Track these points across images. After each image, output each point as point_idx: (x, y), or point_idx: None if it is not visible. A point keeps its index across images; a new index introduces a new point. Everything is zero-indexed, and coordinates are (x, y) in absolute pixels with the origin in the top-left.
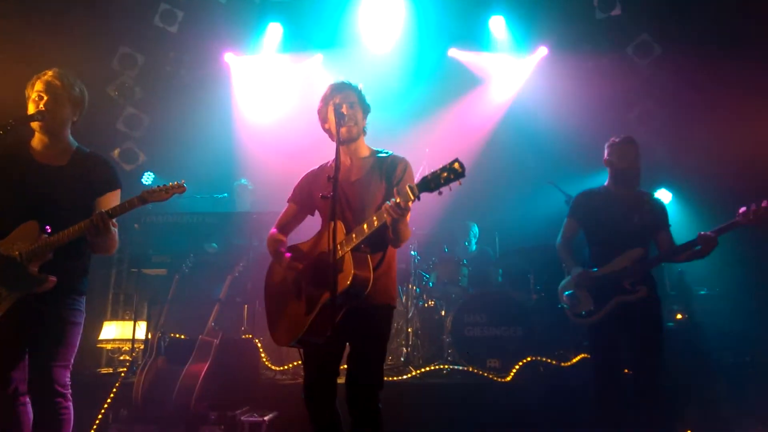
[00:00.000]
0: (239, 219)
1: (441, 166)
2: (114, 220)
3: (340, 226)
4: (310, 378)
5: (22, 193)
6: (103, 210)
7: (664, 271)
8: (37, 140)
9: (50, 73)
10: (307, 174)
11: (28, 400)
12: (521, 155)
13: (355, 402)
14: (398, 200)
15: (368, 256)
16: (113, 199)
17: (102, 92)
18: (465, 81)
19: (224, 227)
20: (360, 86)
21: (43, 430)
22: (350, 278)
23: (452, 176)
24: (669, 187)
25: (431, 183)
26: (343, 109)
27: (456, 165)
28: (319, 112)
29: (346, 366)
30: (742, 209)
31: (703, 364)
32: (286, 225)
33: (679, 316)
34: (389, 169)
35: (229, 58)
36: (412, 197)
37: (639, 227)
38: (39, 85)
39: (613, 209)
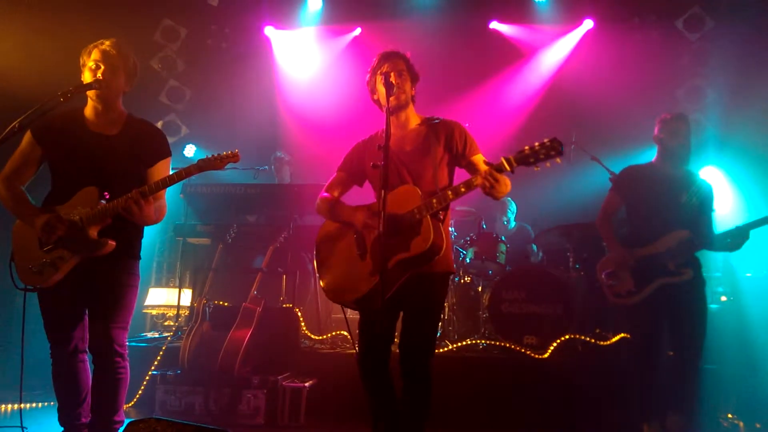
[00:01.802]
0: (280, 191)
1: (539, 142)
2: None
3: (415, 191)
4: (366, 346)
5: (80, 160)
6: (151, 182)
7: (709, 251)
8: (90, 108)
9: (107, 42)
10: (357, 144)
11: (86, 357)
12: (564, 130)
13: (409, 367)
14: (488, 171)
15: (441, 224)
16: (164, 168)
17: (145, 65)
18: (507, 54)
19: (266, 199)
20: (408, 54)
21: (104, 387)
22: (429, 243)
23: (552, 153)
24: (720, 165)
25: (530, 157)
26: (392, 77)
27: (555, 143)
28: (368, 83)
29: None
30: None
31: (747, 348)
32: (334, 193)
33: (723, 299)
34: (447, 134)
35: (270, 31)
36: (508, 168)
37: (685, 208)
38: (96, 54)
39: (660, 187)
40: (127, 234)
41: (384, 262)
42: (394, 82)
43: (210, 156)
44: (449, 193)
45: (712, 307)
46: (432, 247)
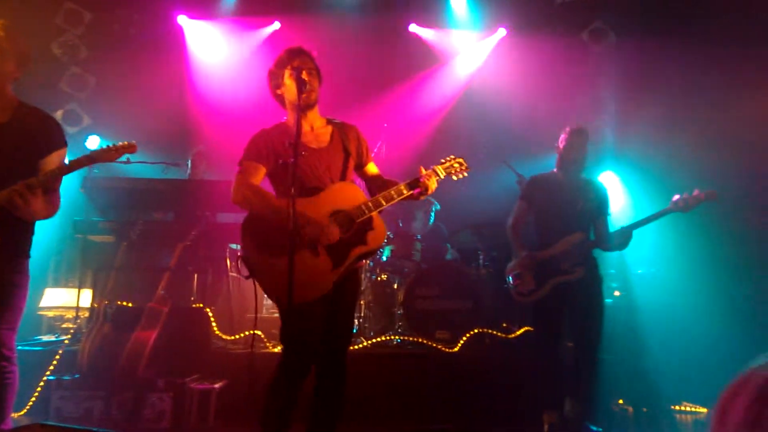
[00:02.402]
0: (192, 186)
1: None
2: (58, 182)
3: (356, 187)
4: (302, 347)
5: None
6: (38, 175)
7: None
8: None
9: None
10: (263, 131)
11: None
12: (477, 134)
13: (332, 363)
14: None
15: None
16: (57, 159)
17: (45, 50)
18: (424, 57)
19: (175, 194)
20: (314, 54)
21: None
22: (384, 238)
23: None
24: (615, 170)
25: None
26: (304, 74)
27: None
28: (272, 75)
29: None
30: (676, 197)
31: (637, 338)
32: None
33: (616, 293)
34: (353, 137)
35: (183, 20)
36: (442, 177)
37: (582, 212)
38: None
39: (560, 194)
40: (13, 230)
41: (346, 257)
42: (306, 79)
43: (104, 147)
44: (393, 193)
45: (608, 301)
46: (383, 242)
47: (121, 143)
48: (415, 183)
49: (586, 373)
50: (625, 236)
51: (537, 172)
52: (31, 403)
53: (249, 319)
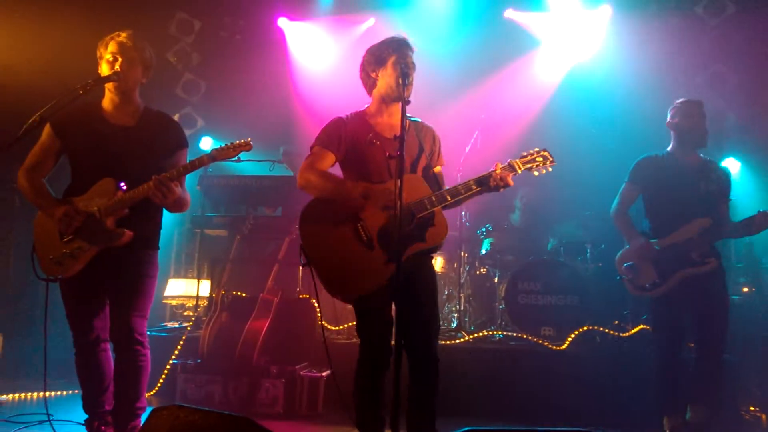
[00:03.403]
0: (295, 183)
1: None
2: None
3: (420, 179)
4: (378, 339)
5: (97, 152)
6: (169, 170)
7: (731, 241)
8: (108, 101)
9: (124, 34)
10: (337, 120)
11: (108, 346)
12: (581, 120)
13: (424, 349)
14: (505, 174)
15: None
16: (181, 158)
17: (161, 58)
18: (522, 43)
19: (281, 191)
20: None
21: (125, 375)
22: (445, 236)
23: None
24: (738, 156)
25: (530, 164)
26: (410, 66)
27: (546, 153)
28: (373, 55)
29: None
30: None
31: None
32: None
33: (745, 290)
34: (423, 134)
35: (283, 22)
36: (518, 171)
37: (705, 196)
38: (113, 46)
39: (678, 176)
40: (145, 225)
41: (402, 252)
42: (410, 72)
43: (223, 145)
44: (461, 188)
45: (734, 298)
46: (444, 240)
47: (237, 142)
48: (486, 179)
49: (712, 377)
50: (760, 222)
51: (650, 153)
52: (159, 385)
53: (351, 310)
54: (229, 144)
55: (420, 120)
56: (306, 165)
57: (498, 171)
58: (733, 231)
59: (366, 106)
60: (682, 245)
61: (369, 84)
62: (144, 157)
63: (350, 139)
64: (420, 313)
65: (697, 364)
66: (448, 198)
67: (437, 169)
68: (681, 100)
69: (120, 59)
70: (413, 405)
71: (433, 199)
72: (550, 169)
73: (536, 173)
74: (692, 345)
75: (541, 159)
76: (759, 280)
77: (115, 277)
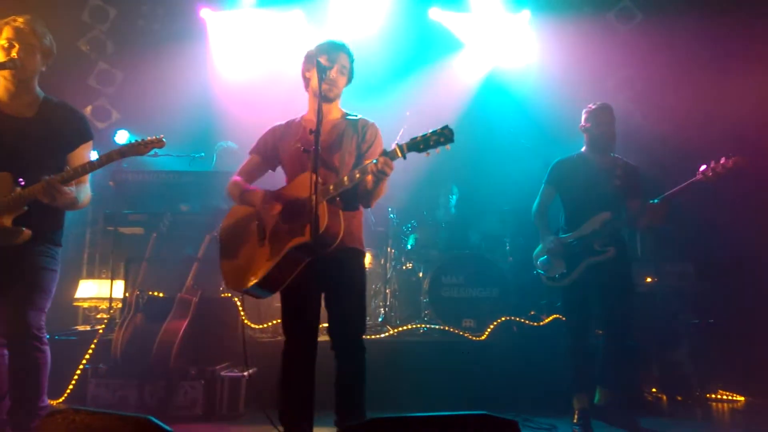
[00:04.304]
0: (216, 179)
1: (431, 129)
2: (87, 176)
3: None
4: (297, 331)
5: None
6: (71, 167)
7: (636, 234)
8: (3, 90)
9: (21, 20)
10: (272, 128)
11: (5, 352)
12: (501, 119)
13: (343, 343)
14: (383, 159)
15: (340, 210)
16: (84, 152)
17: (72, 46)
18: (446, 43)
19: (201, 187)
20: (353, 54)
21: (20, 374)
22: (323, 228)
23: (441, 140)
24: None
25: (420, 144)
26: (334, 73)
27: (446, 130)
28: (308, 57)
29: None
30: (702, 167)
31: (668, 326)
32: (248, 176)
33: (648, 280)
34: (361, 132)
35: (205, 13)
36: (400, 155)
37: (611, 192)
38: (8, 32)
39: (588, 174)
40: (45, 221)
41: (282, 248)
42: (333, 77)
43: (134, 141)
44: (345, 179)
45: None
46: (326, 232)
47: (149, 138)
48: (364, 169)
49: (617, 361)
50: (658, 212)
51: (564, 155)
52: (68, 391)
53: (276, 308)
54: (140, 140)
55: (360, 117)
56: (235, 174)
57: (380, 162)
58: (633, 222)
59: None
60: (588, 237)
61: (305, 83)
62: (43, 150)
63: (279, 140)
64: (343, 306)
65: (604, 349)
66: (331, 190)
67: (371, 161)
68: (593, 106)
69: (17, 46)
70: (339, 398)
71: (318, 193)
72: (448, 147)
73: (427, 154)
74: (600, 332)
75: (434, 137)
76: (660, 270)
77: (11, 272)
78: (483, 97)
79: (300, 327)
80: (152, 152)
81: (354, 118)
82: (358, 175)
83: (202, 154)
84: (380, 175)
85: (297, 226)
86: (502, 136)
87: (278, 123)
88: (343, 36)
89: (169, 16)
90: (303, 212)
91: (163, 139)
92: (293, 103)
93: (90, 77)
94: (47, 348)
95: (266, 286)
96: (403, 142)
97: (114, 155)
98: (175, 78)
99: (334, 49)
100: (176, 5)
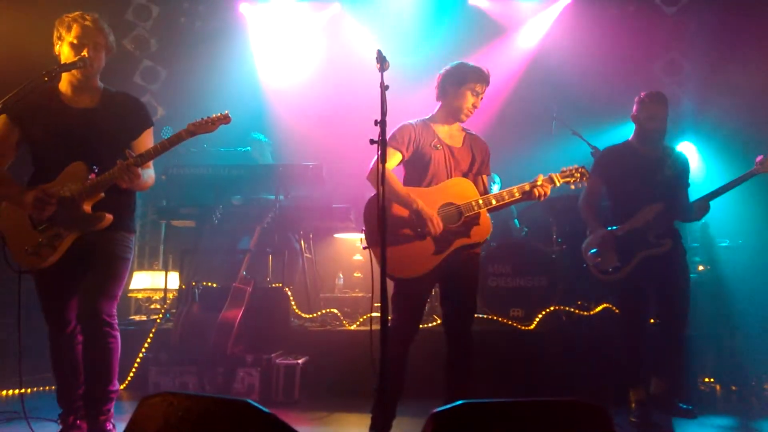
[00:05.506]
0: (264, 172)
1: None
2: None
3: (470, 183)
4: (403, 318)
5: (61, 138)
6: (135, 154)
7: (687, 223)
8: (66, 84)
9: (89, 18)
10: (407, 125)
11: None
12: (545, 105)
13: (462, 327)
14: (546, 186)
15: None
16: (148, 138)
17: (118, 44)
18: (486, 29)
19: (249, 180)
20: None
21: (94, 358)
22: (488, 234)
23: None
24: (693, 139)
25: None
26: (478, 102)
27: (583, 170)
28: (457, 73)
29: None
30: (759, 157)
31: (724, 315)
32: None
33: (701, 268)
34: (476, 144)
35: (245, 8)
36: (557, 184)
37: (661, 184)
38: (77, 30)
39: (637, 166)
40: (120, 207)
41: (449, 245)
42: (477, 106)
43: (200, 119)
44: (505, 195)
45: (691, 276)
46: (486, 237)
47: (216, 115)
48: (529, 189)
49: (672, 350)
50: (702, 207)
51: (610, 142)
52: (129, 379)
53: (323, 298)
54: (207, 117)
55: (475, 133)
56: (377, 162)
57: (540, 182)
58: (689, 214)
59: (431, 114)
60: (640, 229)
61: (441, 93)
62: (111, 138)
63: (417, 141)
64: (460, 300)
65: (659, 339)
66: (493, 202)
67: (484, 177)
68: (648, 95)
69: (87, 45)
70: (452, 374)
71: (480, 202)
72: (585, 183)
73: (572, 187)
74: (653, 322)
75: (578, 174)
76: (713, 258)
77: (90, 261)
78: (525, 83)
79: (412, 312)
80: (204, 145)
81: (471, 132)
82: (516, 194)
83: (248, 148)
84: (529, 199)
85: (461, 228)
86: (546, 123)
87: (411, 121)
88: (381, 27)
89: (209, 12)
90: (467, 217)
91: (228, 115)
92: (335, 98)
93: (135, 74)
94: (118, 334)
95: (429, 276)
96: (557, 173)
97: (183, 135)
98: (217, 73)
99: (485, 82)
100: (217, 1)
